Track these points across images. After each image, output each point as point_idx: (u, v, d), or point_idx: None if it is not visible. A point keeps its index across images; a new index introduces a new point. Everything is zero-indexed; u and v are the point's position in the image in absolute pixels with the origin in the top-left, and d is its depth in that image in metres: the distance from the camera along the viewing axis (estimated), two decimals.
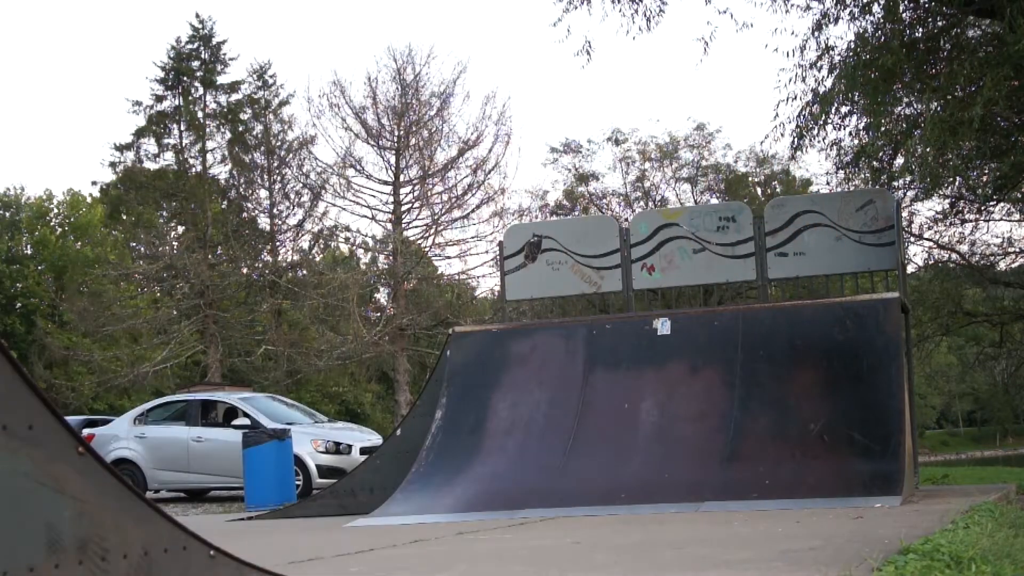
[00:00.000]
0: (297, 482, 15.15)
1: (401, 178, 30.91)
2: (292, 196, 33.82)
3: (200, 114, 34.93)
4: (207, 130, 34.91)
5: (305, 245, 35.18)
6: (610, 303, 27.02)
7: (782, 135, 14.11)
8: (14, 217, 48.39)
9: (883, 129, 14.01)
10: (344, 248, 36.77)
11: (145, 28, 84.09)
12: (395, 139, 30.79)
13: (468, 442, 11.03)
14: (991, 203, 21.38)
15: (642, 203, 36.06)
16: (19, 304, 44.93)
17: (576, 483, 10.13)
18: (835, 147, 15.55)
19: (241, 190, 34.63)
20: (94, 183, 38.83)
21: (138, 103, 34.69)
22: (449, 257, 32.68)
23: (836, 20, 13.22)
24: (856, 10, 12.94)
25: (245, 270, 33.97)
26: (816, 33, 13.36)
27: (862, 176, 17.09)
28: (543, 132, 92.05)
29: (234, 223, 33.52)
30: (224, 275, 32.84)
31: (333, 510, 11.52)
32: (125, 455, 17.08)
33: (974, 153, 14.66)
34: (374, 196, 31.23)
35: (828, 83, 13.21)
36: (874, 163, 15.74)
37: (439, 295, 33.13)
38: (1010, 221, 24.01)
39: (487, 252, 31.56)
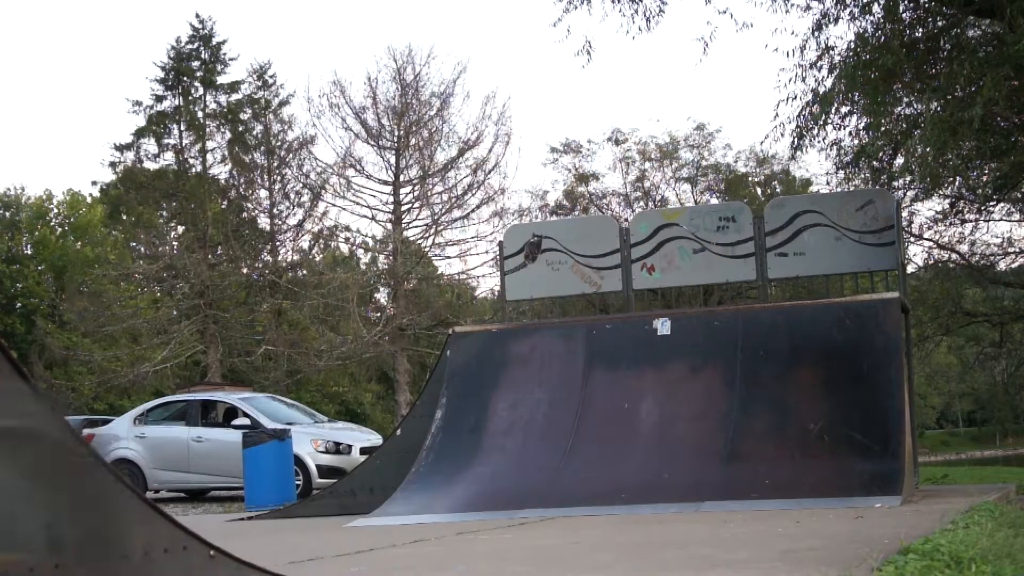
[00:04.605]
0: (297, 482, 15.15)
1: (401, 178, 30.91)
2: (292, 196, 33.83)
3: (200, 114, 34.91)
4: (207, 130, 34.89)
5: (305, 245, 35.20)
6: (610, 303, 27.21)
7: (782, 135, 14.12)
8: (14, 217, 48.41)
9: (883, 129, 14.02)
10: (344, 248, 36.77)
11: (145, 28, 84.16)
12: (395, 139, 30.80)
13: (468, 442, 11.02)
14: (991, 203, 21.40)
15: (642, 203, 36.06)
16: (19, 304, 44.95)
17: (576, 483, 10.13)
18: (835, 147, 15.56)
19: (241, 190, 34.62)
20: (94, 183, 38.87)
21: (138, 103, 34.69)
22: (449, 257, 32.71)
23: (836, 20, 13.22)
24: (856, 10, 12.94)
25: (245, 270, 33.97)
26: (816, 33, 13.37)
27: (862, 176, 17.10)
28: (543, 132, 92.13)
29: (234, 223, 33.51)
30: (224, 275, 32.83)
31: (333, 510, 11.52)
32: (125, 455, 17.09)
33: (974, 153, 14.67)
34: (374, 196, 31.26)
35: (828, 83, 13.21)
36: (874, 163, 15.75)
37: (439, 295, 33.13)
38: (1010, 221, 24.04)
39: (487, 252, 31.60)
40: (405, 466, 11.00)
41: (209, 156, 34.99)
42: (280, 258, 34.49)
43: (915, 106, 13.74)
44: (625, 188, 37.04)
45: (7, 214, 48.42)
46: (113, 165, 35.34)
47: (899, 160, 15.33)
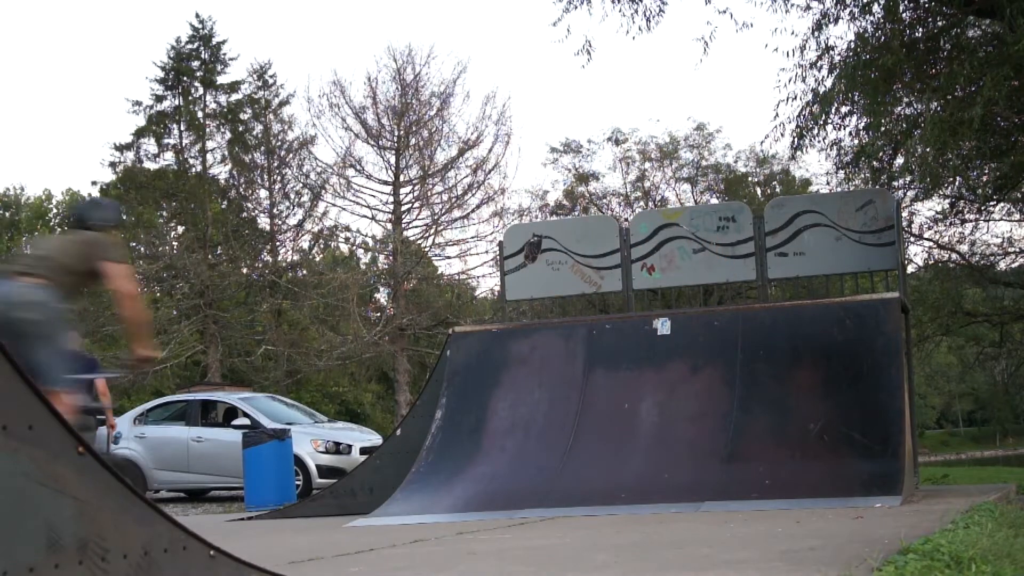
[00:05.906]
0: (297, 482, 15.15)
1: (401, 178, 30.90)
2: (292, 196, 33.84)
3: (200, 114, 34.93)
4: (207, 130, 34.91)
5: (305, 245, 35.22)
6: (610, 303, 27.18)
7: (782, 135, 14.13)
8: (14, 217, 48.45)
9: (883, 129, 14.02)
10: (344, 248, 36.78)
11: (145, 28, 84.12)
12: (395, 139, 30.79)
13: (468, 442, 11.02)
14: (991, 203, 21.38)
15: (642, 203, 36.06)
16: None
17: (576, 483, 10.13)
18: (835, 147, 15.57)
19: (241, 190, 34.63)
20: (94, 183, 38.82)
21: (138, 103, 34.72)
22: (449, 257, 32.70)
23: (836, 20, 13.23)
24: (856, 10, 12.95)
25: (245, 270, 33.97)
26: (816, 33, 13.37)
27: (862, 176, 17.10)
28: (543, 132, 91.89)
29: (234, 223, 33.52)
30: (224, 275, 32.84)
31: (333, 510, 11.51)
32: (125, 455, 17.09)
33: (974, 153, 14.67)
34: (374, 196, 31.25)
35: (828, 83, 13.22)
36: (874, 163, 15.74)
37: (439, 295, 33.13)
38: (1010, 221, 24.02)
39: (487, 252, 31.59)
40: (405, 466, 11.00)
41: (209, 156, 35.02)
42: (280, 258, 34.51)
43: (915, 106, 13.75)
44: (625, 188, 37.08)
45: (7, 214, 48.46)
46: (113, 165, 35.37)
47: (899, 160, 15.33)
